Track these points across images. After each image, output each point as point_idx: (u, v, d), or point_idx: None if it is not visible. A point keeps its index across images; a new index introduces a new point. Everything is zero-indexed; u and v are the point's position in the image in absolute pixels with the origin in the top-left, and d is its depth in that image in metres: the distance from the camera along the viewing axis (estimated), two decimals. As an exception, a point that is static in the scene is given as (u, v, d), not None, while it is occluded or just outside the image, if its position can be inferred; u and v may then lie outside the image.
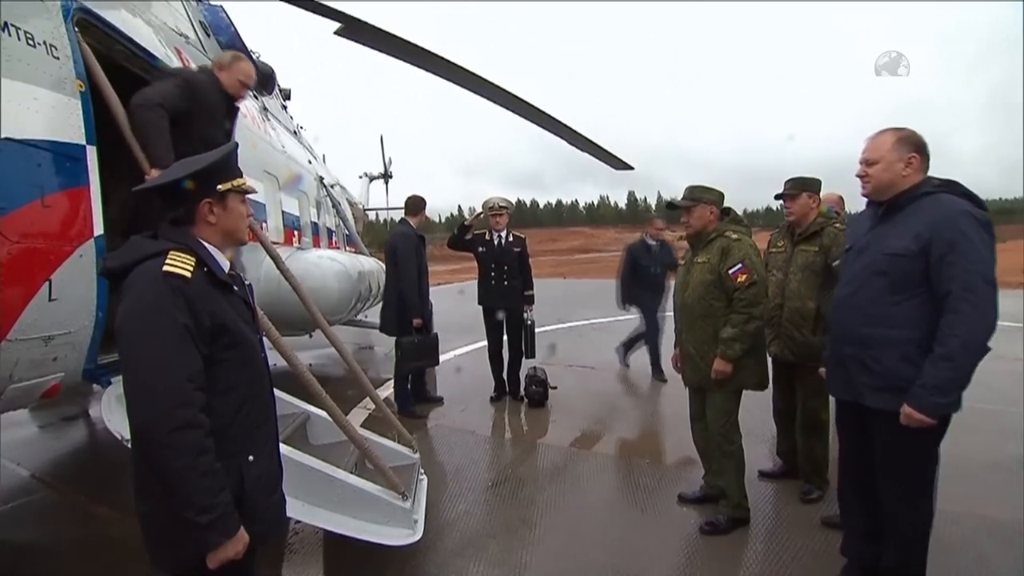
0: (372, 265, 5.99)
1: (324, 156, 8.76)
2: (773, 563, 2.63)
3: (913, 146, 2.08)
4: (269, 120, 5.37)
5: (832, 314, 2.37)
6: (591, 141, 5.57)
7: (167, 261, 1.35)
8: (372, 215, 14.79)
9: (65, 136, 2.10)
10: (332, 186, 7.33)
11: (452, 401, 5.20)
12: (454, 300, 8.85)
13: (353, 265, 5.01)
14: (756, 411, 4.63)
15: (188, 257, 1.38)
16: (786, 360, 3.21)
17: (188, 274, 1.35)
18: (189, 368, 1.30)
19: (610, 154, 6.01)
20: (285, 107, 7.06)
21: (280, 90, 6.50)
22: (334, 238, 6.99)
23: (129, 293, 1.34)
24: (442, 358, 5.92)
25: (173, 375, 1.28)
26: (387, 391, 5.19)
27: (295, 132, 6.95)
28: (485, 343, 5.32)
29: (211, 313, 1.37)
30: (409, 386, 4.94)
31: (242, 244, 1.60)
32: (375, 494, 2.48)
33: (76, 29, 2.28)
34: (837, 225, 3.11)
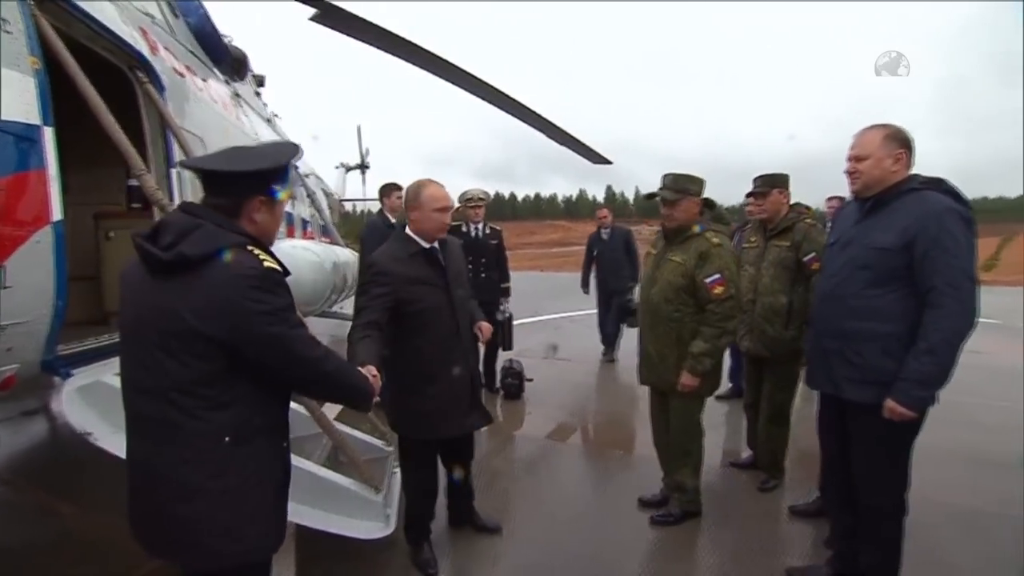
0: (348, 256, 5.87)
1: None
2: (743, 548, 2.67)
3: (900, 142, 2.09)
4: (241, 106, 5.19)
5: (815, 307, 2.38)
6: (569, 135, 5.53)
7: (262, 256, 1.34)
8: (349, 206, 14.55)
9: (17, 116, 1.97)
10: (307, 176, 7.16)
11: None
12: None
13: (327, 256, 4.90)
14: (728, 404, 4.72)
15: (265, 254, 1.37)
16: (758, 355, 3.22)
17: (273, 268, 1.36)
18: None
19: (588, 148, 5.98)
20: (259, 94, 6.85)
21: (254, 76, 6.29)
22: (309, 228, 6.83)
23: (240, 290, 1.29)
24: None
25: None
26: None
27: (269, 120, 6.75)
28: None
29: None
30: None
31: (269, 247, 1.52)
32: (348, 487, 2.43)
33: (32, 4, 2.15)
34: (808, 220, 3.12)
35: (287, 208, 5.92)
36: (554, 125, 5.30)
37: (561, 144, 5.79)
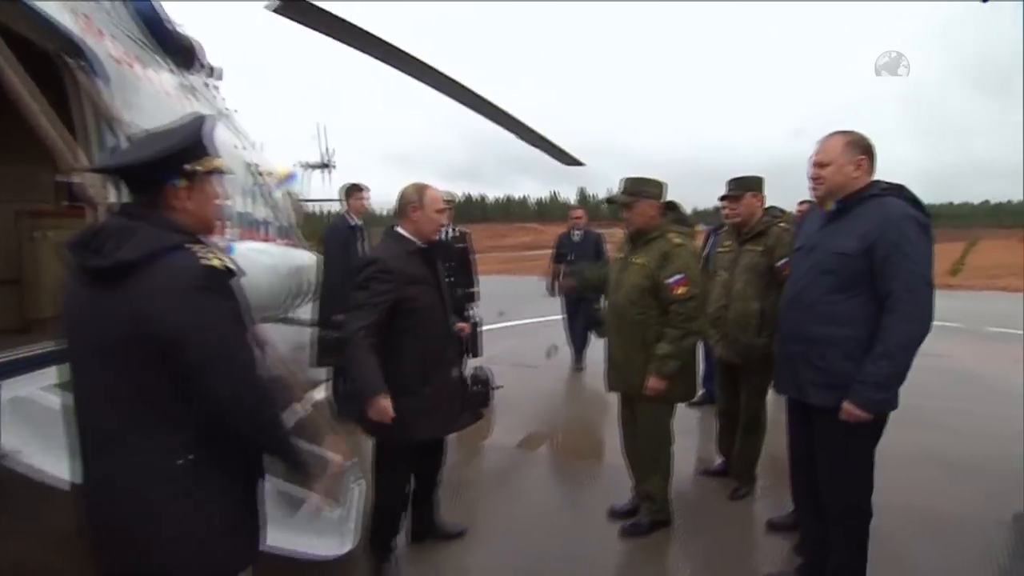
0: (308, 260, 5.78)
1: (261, 143, 8.37)
2: (715, 558, 2.72)
3: (861, 149, 2.17)
4: (192, 99, 5.03)
5: (781, 311, 2.44)
6: (540, 135, 5.56)
7: (201, 254, 1.25)
8: (315, 207, 14.33)
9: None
10: (267, 174, 6.99)
11: None
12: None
13: (286, 259, 4.82)
14: (687, 407, 4.78)
15: (209, 250, 1.29)
16: (731, 362, 3.27)
17: (223, 267, 1.29)
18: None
19: (560, 150, 6.02)
20: (216, 87, 6.65)
21: (209, 68, 6.10)
22: (267, 230, 6.68)
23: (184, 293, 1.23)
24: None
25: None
26: (324, 392, 5.02)
27: (224, 114, 6.56)
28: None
29: None
30: (345, 387, 4.79)
31: (212, 233, 1.45)
32: (304, 503, 2.37)
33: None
34: (782, 224, 3.16)
35: (241, 208, 5.80)
36: (524, 125, 5.32)
37: (532, 145, 5.82)
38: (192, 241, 1.30)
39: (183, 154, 1.32)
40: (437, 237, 4.72)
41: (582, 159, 6.45)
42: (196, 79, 5.50)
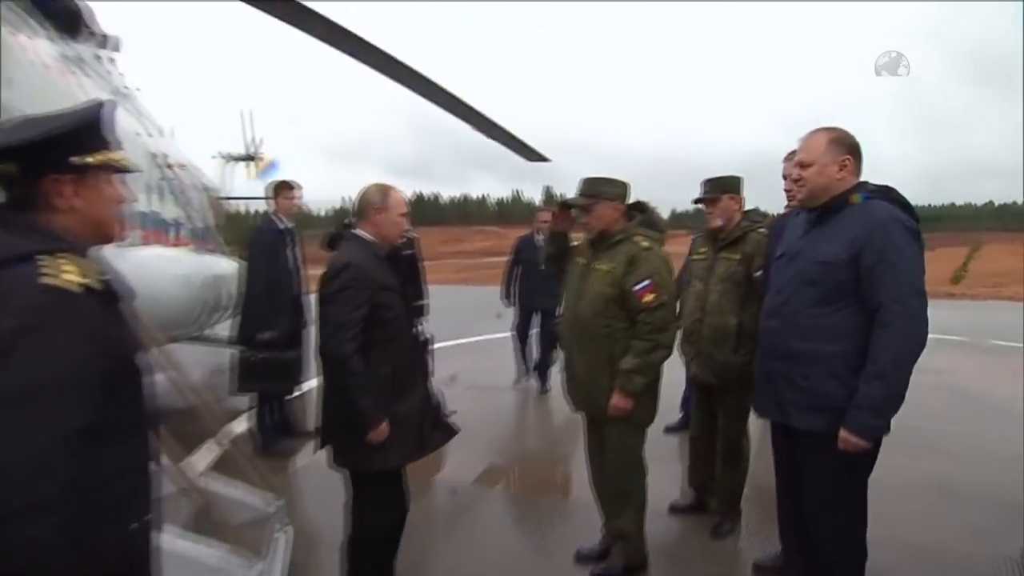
0: (228, 267, 5.65)
1: (172, 129, 8.14)
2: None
3: (846, 148, 2.23)
4: (76, 73, 4.81)
5: (761, 326, 2.49)
6: (501, 128, 5.59)
7: (47, 269, 1.13)
8: (239, 206, 13.97)
9: None
10: (179, 167, 6.79)
11: None
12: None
13: (200, 267, 4.71)
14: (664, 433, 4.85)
15: (69, 262, 1.18)
16: (706, 382, 3.32)
17: (81, 287, 1.16)
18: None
19: (524, 144, 6.07)
20: (112, 60, 6.41)
21: (102, 36, 5.84)
22: (178, 233, 6.49)
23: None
24: (315, 382, 5.65)
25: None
26: (247, 423, 4.90)
27: (123, 93, 6.32)
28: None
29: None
30: (273, 417, 4.70)
31: (109, 241, 1.36)
32: (211, 562, 2.30)
33: None
34: (761, 230, 3.22)
35: (145, 207, 5.62)
36: (484, 116, 5.34)
37: (492, 138, 5.84)
38: (59, 249, 1.19)
39: (69, 142, 1.24)
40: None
41: (547, 154, 6.51)
42: (84, 49, 5.27)
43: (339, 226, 4.89)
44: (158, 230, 5.83)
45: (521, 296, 6.44)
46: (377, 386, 2.37)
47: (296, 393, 4.87)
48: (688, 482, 3.66)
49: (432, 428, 2.62)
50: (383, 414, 2.35)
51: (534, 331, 6.56)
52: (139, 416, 1.33)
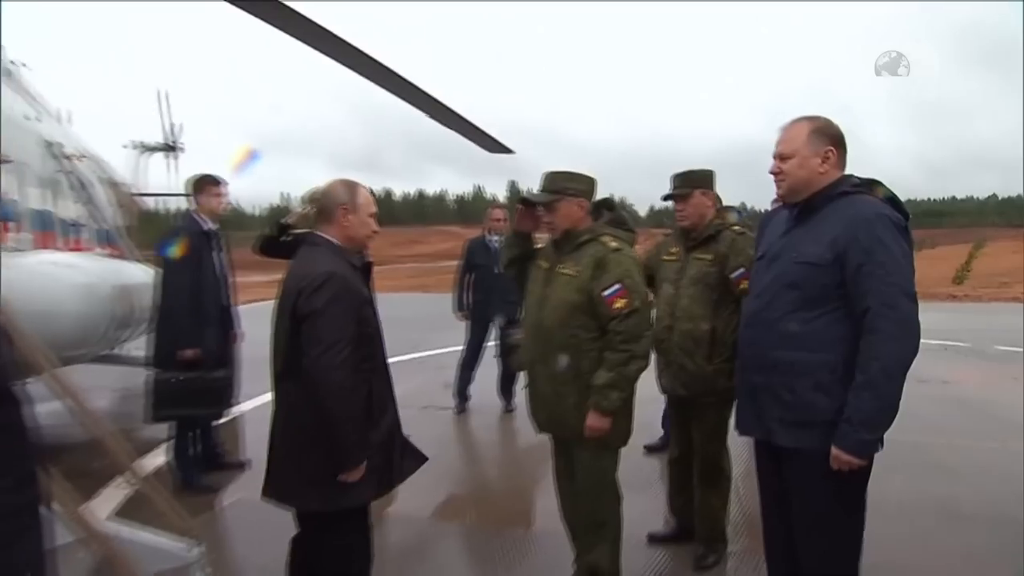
0: (140, 275, 5.53)
1: (69, 114, 7.90)
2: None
3: (829, 138, 2.29)
4: None
5: (740, 334, 2.54)
6: (460, 116, 5.60)
7: None
8: (156, 204, 13.63)
9: None
10: (79, 158, 6.60)
11: (260, 465, 4.79)
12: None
13: (106, 275, 4.60)
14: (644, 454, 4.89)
15: None
16: (678, 396, 3.37)
17: None
18: None
19: (485, 135, 6.09)
20: None
21: None
22: (79, 236, 6.31)
23: None
24: (251, 404, 5.42)
25: None
26: (165, 456, 4.78)
27: (6, 71, 6.10)
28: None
29: None
30: (196, 448, 4.61)
31: None
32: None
33: None
34: (735, 228, 3.30)
35: (37, 204, 5.44)
36: (441, 104, 5.34)
37: (450, 128, 5.85)
38: None
39: None
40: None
41: (510, 145, 6.55)
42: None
43: (275, 228, 4.87)
44: (53, 232, 5.66)
45: (476, 306, 6.45)
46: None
47: (224, 419, 4.78)
48: (668, 508, 3.69)
49: (401, 455, 2.62)
50: (367, 452, 2.36)
51: (490, 344, 6.59)
52: (17, 452, 1.28)
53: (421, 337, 10.53)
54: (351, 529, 2.51)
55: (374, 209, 2.61)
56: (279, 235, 4.87)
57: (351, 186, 2.56)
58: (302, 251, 2.55)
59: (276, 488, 2.50)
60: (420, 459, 2.71)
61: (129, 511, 3.69)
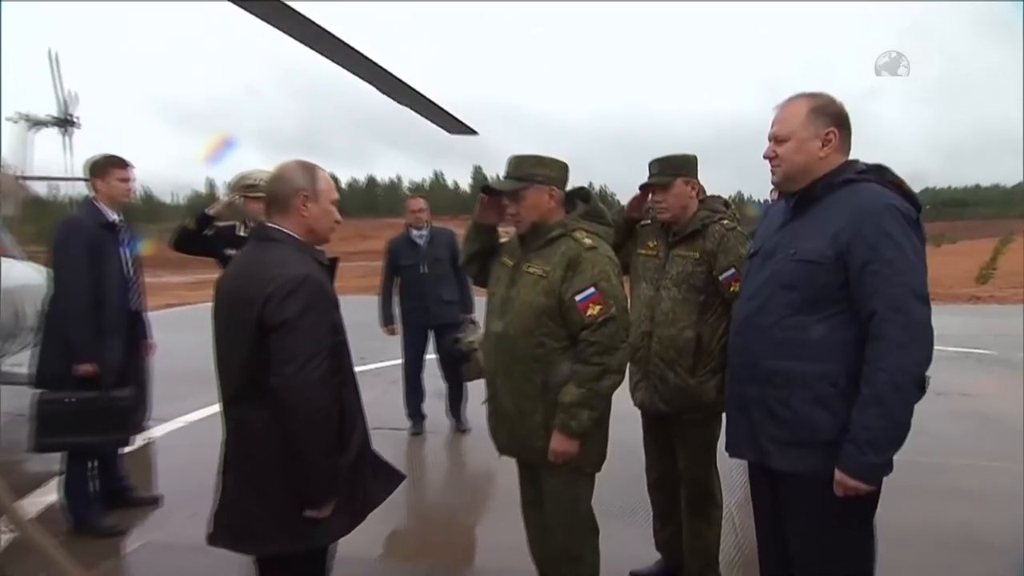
0: (25, 275, 5.43)
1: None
2: None
3: (831, 118, 2.33)
4: None
5: (730, 342, 2.58)
6: (418, 93, 5.58)
7: None
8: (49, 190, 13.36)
9: None
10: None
11: (176, 501, 4.82)
12: (201, 332, 8.32)
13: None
14: (627, 473, 4.92)
15: None
16: (658, 412, 3.39)
17: None
18: None
19: (445, 113, 6.08)
20: None
21: None
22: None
23: None
24: (164, 428, 5.34)
25: None
26: (57, 494, 4.68)
27: None
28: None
29: None
30: (95, 482, 4.51)
31: None
32: None
33: None
34: (724, 222, 3.33)
35: None
36: (393, 76, 5.30)
37: (404, 105, 5.83)
38: None
39: None
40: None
41: (474, 125, 6.55)
42: None
43: (197, 220, 4.83)
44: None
45: (408, 314, 6.50)
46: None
47: (131, 447, 4.70)
48: (654, 539, 3.72)
49: (374, 475, 2.63)
50: (341, 485, 2.37)
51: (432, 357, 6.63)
52: None
53: (372, 346, 10.42)
54: (313, 573, 2.51)
55: (336, 195, 2.59)
56: (201, 228, 4.83)
57: (310, 169, 2.52)
58: (255, 248, 2.50)
59: (230, 531, 2.43)
60: (396, 478, 2.72)
61: (9, 562, 3.64)
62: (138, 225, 4.69)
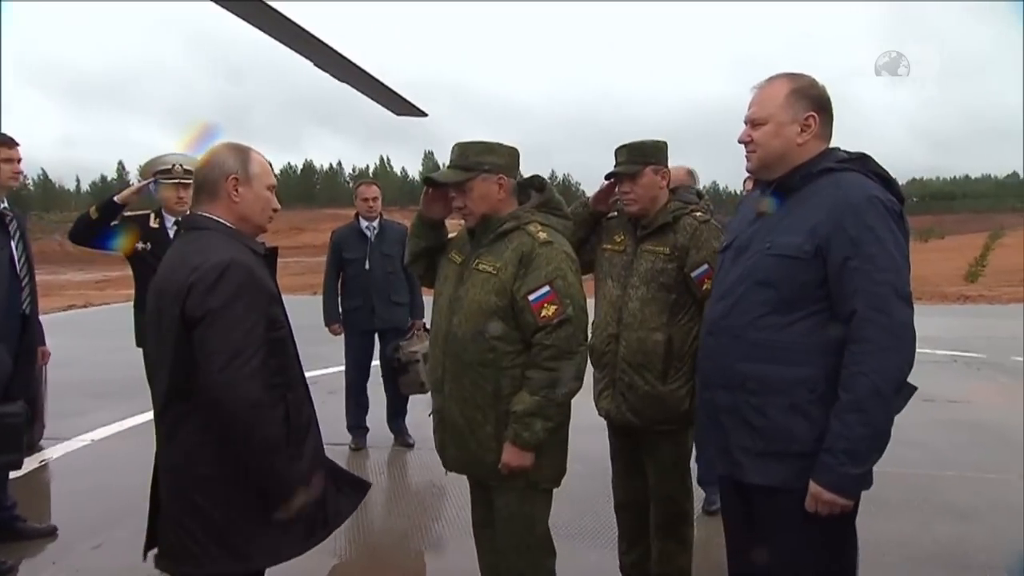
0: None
1: None
2: None
3: (812, 101, 2.35)
4: None
5: (702, 344, 2.58)
6: (362, 71, 5.53)
7: None
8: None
9: None
10: None
11: (76, 531, 4.74)
12: (109, 337, 8.12)
13: None
14: (591, 490, 4.92)
15: None
16: (626, 423, 3.38)
17: None
18: None
19: (392, 92, 6.04)
20: None
21: None
22: None
23: None
24: (62, 449, 5.23)
25: None
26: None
27: None
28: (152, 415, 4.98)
29: None
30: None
31: None
32: None
33: None
34: (697, 214, 3.34)
35: None
36: (333, 51, 5.25)
37: (345, 83, 5.78)
38: None
39: None
40: (171, 231, 4.64)
41: (423, 107, 6.52)
42: None
43: (103, 209, 4.71)
44: None
45: (350, 314, 6.43)
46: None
47: (20, 471, 4.56)
48: (619, 563, 3.70)
49: (336, 488, 2.62)
50: (303, 475, 2.37)
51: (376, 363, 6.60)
52: None
53: (310, 352, 10.30)
54: None
55: (272, 180, 2.60)
56: (105, 218, 4.71)
57: (242, 151, 2.53)
58: (184, 238, 2.50)
59: (169, 552, 2.40)
60: (361, 488, 2.74)
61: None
62: (31, 214, 4.53)
